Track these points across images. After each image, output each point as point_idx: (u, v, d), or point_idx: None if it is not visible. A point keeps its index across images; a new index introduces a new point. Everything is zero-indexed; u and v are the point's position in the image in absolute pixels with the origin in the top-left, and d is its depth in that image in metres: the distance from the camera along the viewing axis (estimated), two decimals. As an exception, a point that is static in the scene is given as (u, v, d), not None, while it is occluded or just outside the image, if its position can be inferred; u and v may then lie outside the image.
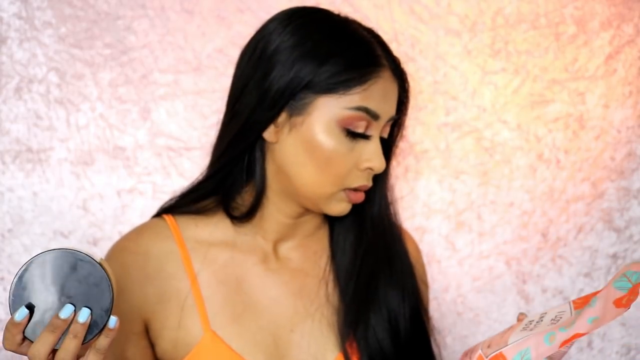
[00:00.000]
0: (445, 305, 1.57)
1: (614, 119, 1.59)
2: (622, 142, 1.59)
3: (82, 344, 0.85)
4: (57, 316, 0.84)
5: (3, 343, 0.86)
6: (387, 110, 1.06)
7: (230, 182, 1.10)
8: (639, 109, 1.60)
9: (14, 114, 1.48)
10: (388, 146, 1.13)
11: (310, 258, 1.16)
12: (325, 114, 1.03)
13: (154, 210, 1.45)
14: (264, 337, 1.08)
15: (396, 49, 1.54)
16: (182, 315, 1.07)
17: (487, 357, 0.98)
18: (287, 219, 1.12)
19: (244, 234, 1.12)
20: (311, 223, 1.15)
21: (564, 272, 1.60)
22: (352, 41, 1.06)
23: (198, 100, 1.51)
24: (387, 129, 1.09)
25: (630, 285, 0.92)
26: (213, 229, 1.12)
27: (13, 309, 0.85)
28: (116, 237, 1.45)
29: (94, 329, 0.86)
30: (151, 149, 1.51)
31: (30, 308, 0.85)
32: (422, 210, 1.57)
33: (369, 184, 1.08)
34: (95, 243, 1.49)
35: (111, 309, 0.86)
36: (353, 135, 1.04)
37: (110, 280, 0.86)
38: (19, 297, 0.85)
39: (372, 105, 1.04)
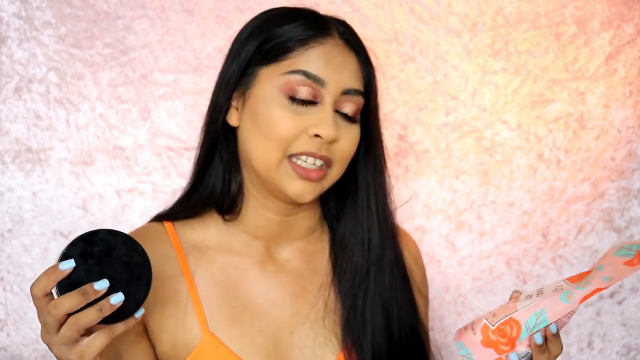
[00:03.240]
0: (446, 305, 1.57)
1: (615, 119, 1.59)
2: (623, 142, 1.59)
3: (101, 323, 0.88)
4: (91, 285, 0.87)
5: (33, 285, 0.88)
6: (336, 78, 1.05)
7: (214, 180, 1.12)
8: (639, 109, 1.60)
9: (13, 114, 1.48)
10: (368, 135, 1.11)
11: (308, 260, 1.15)
12: (267, 82, 1.06)
13: (154, 211, 1.45)
14: (264, 339, 1.08)
15: (396, 49, 1.54)
16: (180, 318, 1.06)
17: (494, 325, 0.97)
18: (274, 215, 1.11)
19: (238, 234, 1.12)
20: (304, 222, 1.15)
21: (564, 272, 1.60)
22: (293, 15, 1.09)
23: (198, 100, 1.51)
24: (351, 105, 1.07)
25: (633, 252, 0.93)
26: (207, 231, 1.12)
27: (60, 258, 0.88)
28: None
29: (119, 315, 0.89)
30: (151, 149, 1.51)
31: (74, 266, 0.88)
32: (422, 210, 1.57)
33: (319, 152, 1.05)
34: None
35: (142, 303, 0.90)
36: (298, 102, 1.04)
37: (151, 279, 0.91)
38: (71, 253, 0.88)
39: (311, 69, 1.04)
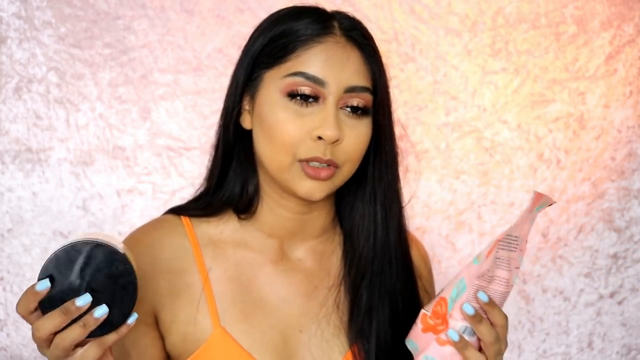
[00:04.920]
0: (446, 306, 1.58)
1: (615, 119, 1.59)
2: (623, 142, 1.59)
3: (89, 337, 0.86)
4: (73, 302, 0.85)
5: (17, 305, 0.87)
6: (336, 76, 1.05)
7: (233, 183, 1.12)
8: (639, 109, 1.60)
9: (13, 114, 1.48)
10: (377, 131, 1.11)
11: (320, 259, 1.16)
12: (270, 86, 1.06)
13: (154, 210, 1.45)
14: (273, 337, 1.08)
15: (396, 49, 1.54)
16: (192, 310, 1.07)
17: (429, 311, 0.99)
18: (289, 213, 1.12)
19: (253, 232, 1.13)
20: (318, 221, 1.15)
21: (564, 272, 1.60)
22: (294, 16, 1.09)
23: (198, 100, 1.51)
24: (357, 102, 1.06)
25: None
26: (224, 228, 1.13)
27: (38, 277, 0.86)
28: (116, 237, 1.45)
29: (106, 326, 0.87)
30: (151, 149, 1.51)
31: (54, 282, 0.86)
32: (422, 210, 1.57)
33: (324, 156, 1.04)
34: None
35: (129, 313, 0.88)
36: (300, 102, 1.04)
37: (137, 287, 0.88)
38: (49, 269, 0.86)
39: (311, 70, 1.04)
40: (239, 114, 1.11)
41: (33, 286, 0.86)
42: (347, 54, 1.06)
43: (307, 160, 1.04)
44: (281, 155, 1.05)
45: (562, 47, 1.57)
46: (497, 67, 1.56)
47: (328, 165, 1.05)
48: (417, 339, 1.00)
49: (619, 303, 1.61)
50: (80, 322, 0.85)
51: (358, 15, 1.45)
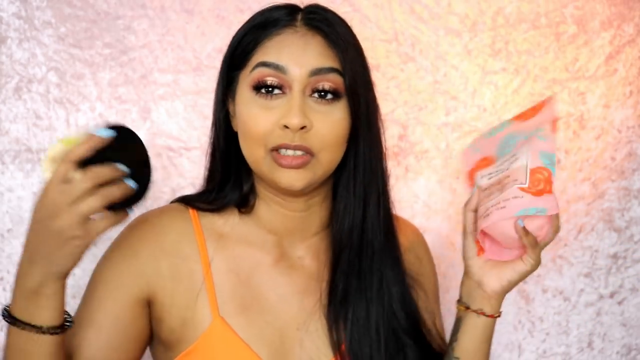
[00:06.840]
0: (446, 305, 1.57)
1: (615, 119, 1.59)
2: (623, 142, 1.59)
3: (109, 208, 0.91)
4: (115, 165, 0.91)
5: (67, 154, 0.92)
6: (297, 61, 1.05)
7: (232, 183, 1.15)
8: (639, 109, 1.60)
9: (13, 114, 1.48)
10: (353, 116, 1.09)
11: (319, 255, 1.16)
12: (243, 85, 1.09)
13: (154, 210, 1.44)
14: (271, 332, 1.09)
15: (396, 49, 1.54)
16: (192, 297, 1.08)
17: (525, 183, 1.08)
18: (287, 211, 1.13)
19: (253, 227, 1.14)
20: (317, 218, 1.16)
21: (564, 272, 1.60)
22: (261, 15, 1.11)
23: (198, 100, 1.51)
24: (326, 85, 1.06)
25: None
26: (227, 221, 1.15)
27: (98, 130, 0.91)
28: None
29: (127, 202, 0.93)
30: (151, 149, 1.50)
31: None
32: (422, 210, 1.57)
33: (292, 142, 1.04)
34: (94, 243, 1.48)
35: (148, 190, 0.96)
36: (265, 95, 1.05)
37: (148, 189, 0.96)
38: (104, 130, 0.91)
39: (269, 58, 1.06)
40: (227, 117, 1.13)
41: (92, 134, 0.90)
42: (306, 40, 1.07)
43: (276, 148, 1.05)
44: (254, 148, 1.07)
45: (562, 47, 1.57)
46: (497, 67, 1.56)
47: (302, 152, 1.05)
48: (536, 203, 1.09)
49: (619, 303, 1.61)
50: (120, 185, 0.91)
51: (358, 15, 1.46)
